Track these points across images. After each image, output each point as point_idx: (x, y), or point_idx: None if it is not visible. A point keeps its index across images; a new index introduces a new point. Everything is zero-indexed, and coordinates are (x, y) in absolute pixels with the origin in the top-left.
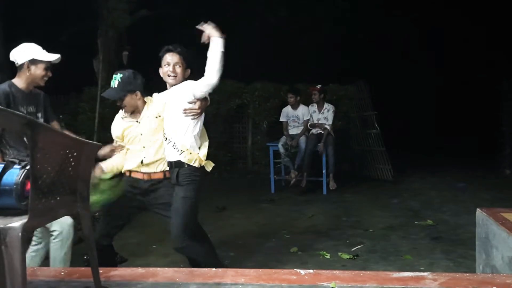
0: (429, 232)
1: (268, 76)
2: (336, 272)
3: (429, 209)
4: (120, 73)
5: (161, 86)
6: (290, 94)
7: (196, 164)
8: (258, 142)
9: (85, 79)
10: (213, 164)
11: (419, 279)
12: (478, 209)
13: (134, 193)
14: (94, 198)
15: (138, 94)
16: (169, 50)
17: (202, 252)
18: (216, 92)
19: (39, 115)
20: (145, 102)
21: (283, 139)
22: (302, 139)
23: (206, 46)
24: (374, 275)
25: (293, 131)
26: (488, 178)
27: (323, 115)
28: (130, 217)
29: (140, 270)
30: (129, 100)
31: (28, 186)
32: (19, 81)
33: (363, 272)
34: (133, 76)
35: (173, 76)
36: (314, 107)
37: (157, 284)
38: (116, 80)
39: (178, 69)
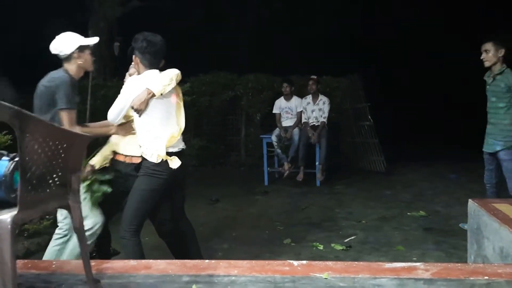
0: (421, 223)
1: (261, 68)
2: (329, 263)
3: (422, 200)
4: None
5: None
6: (285, 83)
7: (154, 160)
8: (252, 134)
9: None
10: (179, 162)
11: (411, 270)
12: (470, 200)
13: (117, 176)
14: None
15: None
16: None
17: (132, 253)
18: (209, 84)
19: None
20: None
21: (277, 131)
22: (296, 131)
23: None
24: (367, 266)
25: (286, 123)
26: (480, 170)
27: (318, 107)
28: (119, 202)
29: (132, 262)
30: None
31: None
32: (70, 71)
33: (356, 263)
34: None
35: None
36: (308, 99)
37: (150, 276)
38: None
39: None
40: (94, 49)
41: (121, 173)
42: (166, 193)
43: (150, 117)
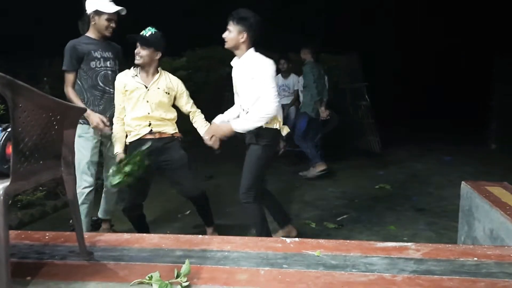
0: (413, 203)
1: (259, 44)
2: (321, 241)
3: (414, 181)
4: (154, 28)
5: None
6: (283, 60)
7: (277, 126)
8: None
9: None
10: (288, 130)
11: (403, 249)
12: (463, 182)
13: (147, 154)
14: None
15: (159, 55)
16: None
17: (255, 216)
18: (205, 59)
19: (116, 61)
20: (157, 71)
21: None
22: (292, 110)
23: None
24: (358, 245)
25: (283, 100)
26: (474, 152)
27: None
28: (149, 182)
29: (125, 236)
30: (150, 55)
31: (10, 149)
32: (90, 32)
33: (348, 241)
34: (162, 36)
35: (225, 41)
36: None
37: (143, 250)
38: (149, 31)
39: (227, 34)
40: (116, 16)
41: (152, 150)
42: None
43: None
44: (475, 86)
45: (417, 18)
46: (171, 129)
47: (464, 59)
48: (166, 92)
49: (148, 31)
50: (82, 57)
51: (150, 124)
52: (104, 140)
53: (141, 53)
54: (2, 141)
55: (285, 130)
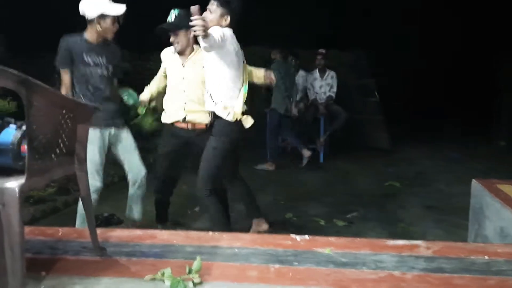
0: (422, 201)
1: (265, 41)
2: (331, 238)
3: (423, 178)
4: (177, 9)
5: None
6: (290, 56)
7: (230, 118)
8: (255, 108)
9: None
10: (252, 121)
11: (413, 247)
12: (473, 180)
13: (179, 142)
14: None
15: (191, 33)
16: None
17: (211, 210)
18: None
19: (110, 67)
20: (193, 49)
21: None
22: (301, 106)
23: None
24: (369, 242)
25: None
26: (483, 149)
27: (326, 82)
28: (181, 169)
29: (137, 232)
30: (185, 36)
31: (25, 146)
32: (88, 34)
33: (358, 239)
34: (187, 13)
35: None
36: (315, 74)
37: (155, 245)
38: (173, 14)
39: (208, 15)
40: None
41: (184, 139)
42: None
43: (232, 77)
44: (484, 84)
45: (424, 17)
46: (205, 118)
47: (473, 58)
48: (203, 66)
49: (172, 14)
50: (74, 58)
51: (185, 110)
52: (113, 141)
53: (177, 39)
54: (17, 139)
55: (248, 122)
